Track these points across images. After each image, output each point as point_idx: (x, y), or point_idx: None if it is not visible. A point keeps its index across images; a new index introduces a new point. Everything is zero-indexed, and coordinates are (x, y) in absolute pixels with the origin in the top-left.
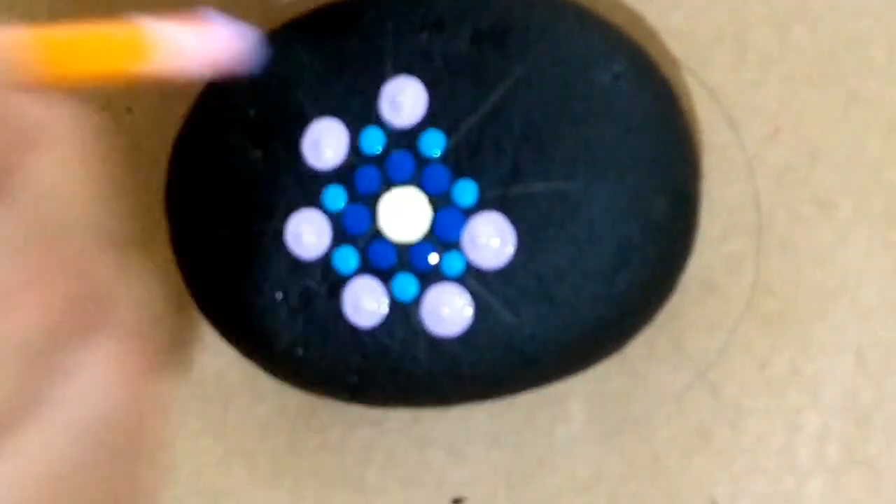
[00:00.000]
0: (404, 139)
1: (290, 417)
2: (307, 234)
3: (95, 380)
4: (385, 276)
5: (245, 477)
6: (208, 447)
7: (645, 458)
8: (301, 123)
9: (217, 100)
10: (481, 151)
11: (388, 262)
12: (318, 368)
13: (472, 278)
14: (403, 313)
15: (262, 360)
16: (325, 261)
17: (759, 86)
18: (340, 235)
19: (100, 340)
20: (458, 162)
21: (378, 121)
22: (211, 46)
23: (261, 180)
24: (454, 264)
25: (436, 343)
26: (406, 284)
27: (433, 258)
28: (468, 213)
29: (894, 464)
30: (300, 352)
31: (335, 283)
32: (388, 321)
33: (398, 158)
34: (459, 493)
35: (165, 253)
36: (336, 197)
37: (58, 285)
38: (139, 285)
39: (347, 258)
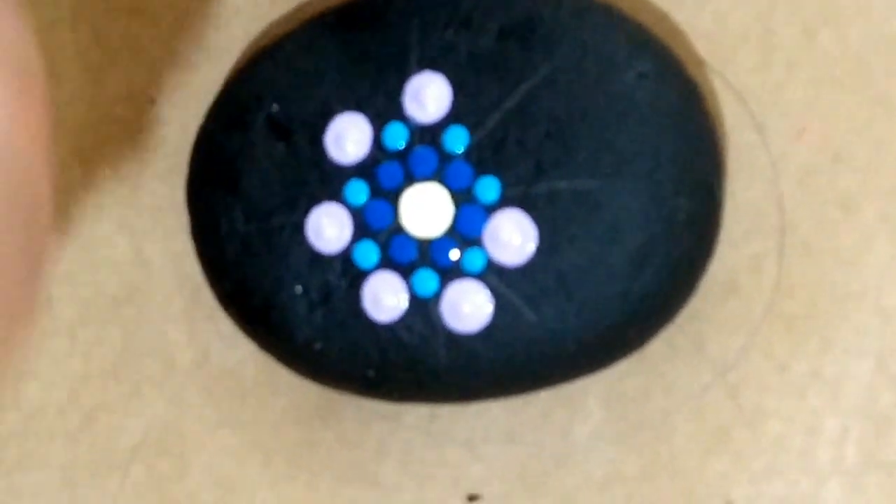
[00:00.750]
0: (427, 135)
1: (307, 411)
2: (328, 227)
3: None
4: (405, 271)
5: (260, 470)
6: (223, 440)
7: (663, 458)
8: (324, 117)
9: (240, 92)
10: (505, 148)
11: (408, 257)
12: (335, 362)
13: (493, 275)
14: (423, 309)
15: (280, 354)
16: (346, 255)
17: (785, 87)
18: (361, 230)
19: None
20: (482, 158)
21: (401, 116)
22: None
23: (283, 174)
24: (475, 261)
25: (455, 339)
26: (426, 280)
27: (454, 254)
28: (490, 209)
29: None
30: (318, 346)
31: (355, 277)
32: (407, 316)
33: (421, 154)
34: (475, 490)
35: (186, 244)
36: (358, 191)
37: None
38: None
39: (368, 253)
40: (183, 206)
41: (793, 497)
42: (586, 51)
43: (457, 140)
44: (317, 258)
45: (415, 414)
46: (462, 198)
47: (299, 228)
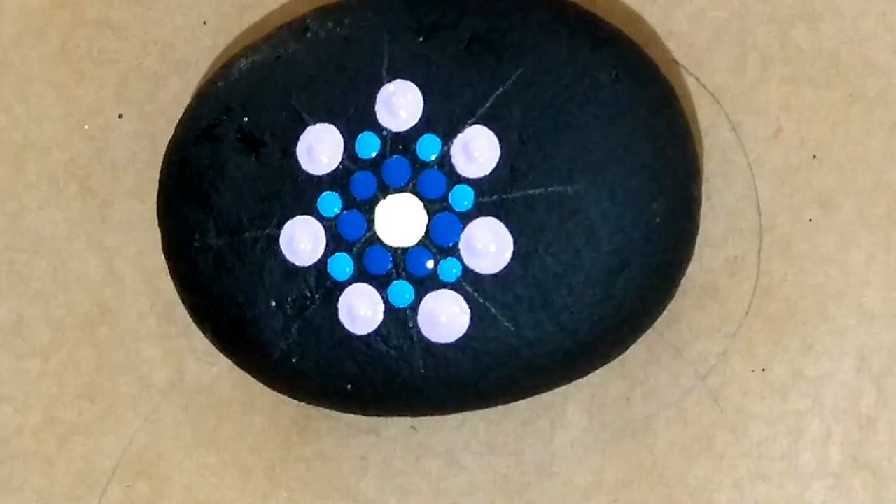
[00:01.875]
0: (400, 144)
1: (285, 427)
2: (302, 240)
3: None
4: (381, 282)
5: (239, 488)
6: (201, 458)
7: (645, 464)
8: (296, 128)
9: (210, 105)
10: (478, 156)
11: (383, 268)
12: (312, 377)
13: (470, 284)
14: (399, 320)
15: (256, 370)
16: (320, 267)
17: (760, 87)
18: (335, 242)
19: None
20: (455, 166)
21: (374, 125)
22: None
23: (255, 186)
24: (451, 270)
25: (432, 350)
26: (402, 291)
27: (430, 264)
28: (465, 218)
29: None
30: (294, 360)
31: (330, 290)
32: (383, 328)
33: (394, 163)
34: (457, 502)
35: (158, 260)
36: (331, 203)
37: None
38: None
39: (343, 265)
40: (155, 222)
41: (778, 500)
42: (558, 55)
43: (429, 148)
44: (291, 271)
45: (394, 427)
46: (436, 207)
47: (273, 242)
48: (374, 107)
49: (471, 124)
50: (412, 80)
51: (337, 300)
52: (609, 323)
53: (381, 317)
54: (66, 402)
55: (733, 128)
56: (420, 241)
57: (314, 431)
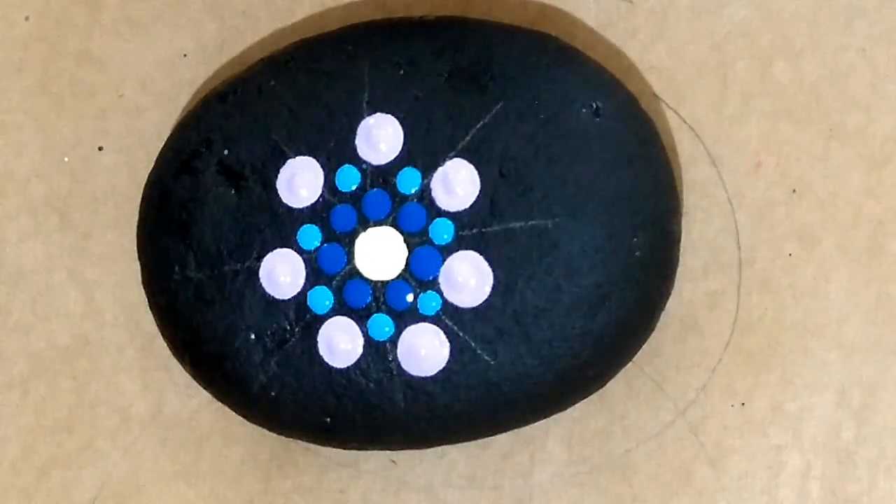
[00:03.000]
0: (381, 177)
1: (264, 461)
2: (282, 273)
3: None
4: (361, 315)
5: None
6: (181, 492)
7: (625, 498)
8: (276, 161)
9: (190, 138)
10: (458, 189)
11: (363, 301)
12: (291, 410)
13: (449, 318)
14: (379, 353)
15: (235, 403)
16: (300, 301)
17: (741, 121)
18: (315, 275)
19: None
20: (435, 200)
21: (354, 159)
22: None
23: (234, 219)
24: (431, 303)
25: (412, 383)
26: (382, 324)
27: (409, 297)
28: (445, 251)
29: (877, 502)
30: (274, 393)
31: (310, 323)
32: (363, 361)
33: (374, 197)
34: None
35: (138, 293)
36: (311, 236)
37: None
38: None
39: (322, 298)
40: (134, 255)
41: None
42: (539, 89)
43: (410, 182)
44: (271, 304)
45: (373, 461)
46: (416, 240)
47: (252, 274)
48: (354, 140)
49: (451, 158)
50: (393, 114)
51: (316, 333)
52: (589, 357)
53: (360, 350)
54: (45, 434)
55: (713, 162)
56: (400, 274)
57: (293, 465)
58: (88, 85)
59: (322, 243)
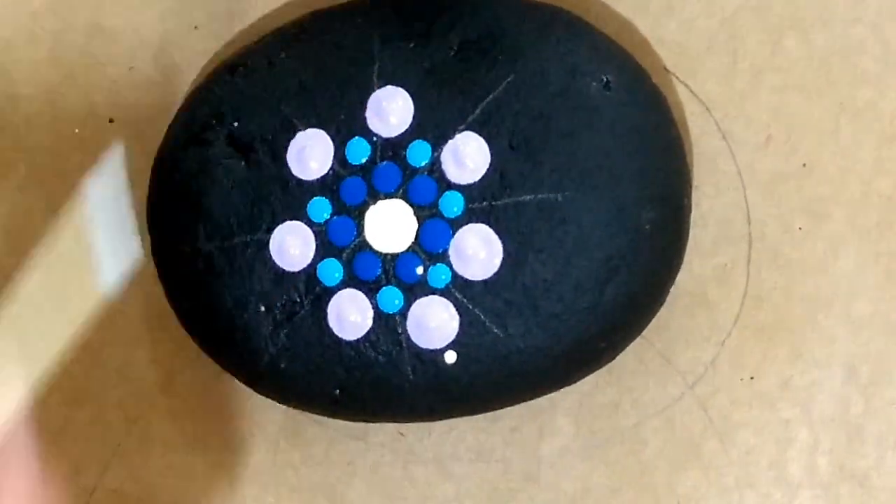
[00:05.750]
0: (390, 150)
1: (273, 432)
2: (292, 246)
3: None
4: (370, 288)
5: (227, 492)
6: (190, 462)
7: (633, 472)
8: (286, 134)
9: (201, 110)
10: (468, 162)
11: (373, 273)
12: (301, 382)
13: (459, 290)
14: (389, 326)
15: (245, 374)
16: (310, 273)
17: (751, 95)
18: (325, 247)
19: None
20: (445, 173)
21: (364, 131)
22: None
23: (245, 192)
24: (440, 276)
25: (421, 356)
26: (391, 296)
27: (419, 270)
28: (455, 224)
29: (885, 477)
30: (283, 365)
31: (319, 295)
32: (372, 334)
33: (384, 169)
34: None
35: (148, 265)
36: (321, 208)
37: None
38: None
39: (332, 270)
40: (144, 227)
41: None
42: (549, 62)
43: (420, 155)
44: (280, 276)
45: (382, 433)
46: (426, 213)
47: (262, 247)
48: (364, 113)
49: (461, 131)
50: (403, 87)
51: (326, 306)
52: (598, 330)
53: (370, 322)
54: (56, 404)
55: (724, 136)
56: (410, 247)
57: (302, 436)
58: (99, 58)
59: (332, 216)
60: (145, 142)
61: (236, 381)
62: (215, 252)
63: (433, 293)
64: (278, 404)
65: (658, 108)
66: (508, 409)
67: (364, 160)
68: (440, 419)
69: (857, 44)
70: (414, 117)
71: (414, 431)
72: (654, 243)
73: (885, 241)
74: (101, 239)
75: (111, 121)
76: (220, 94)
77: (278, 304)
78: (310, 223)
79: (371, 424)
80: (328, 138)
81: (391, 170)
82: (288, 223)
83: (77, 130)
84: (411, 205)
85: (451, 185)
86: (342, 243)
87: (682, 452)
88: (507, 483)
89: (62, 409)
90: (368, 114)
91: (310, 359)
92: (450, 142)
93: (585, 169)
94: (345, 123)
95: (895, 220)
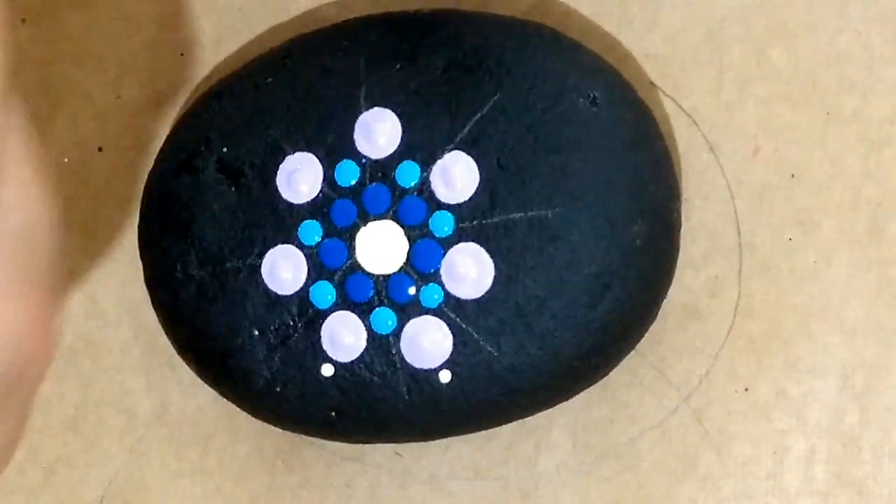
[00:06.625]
0: (380, 171)
1: (270, 456)
2: (283, 269)
3: None
4: (363, 309)
5: None
6: (186, 489)
7: (630, 486)
8: (275, 158)
9: (189, 137)
10: (457, 181)
11: (365, 295)
12: (296, 405)
13: (451, 310)
14: (382, 347)
15: (240, 399)
16: (303, 296)
17: (738, 107)
18: (317, 270)
19: None
20: (435, 193)
21: (353, 154)
22: None
23: (235, 216)
24: (433, 296)
25: (416, 376)
26: (385, 317)
27: (411, 290)
28: (446, 244)
29: (882, 485)
30: (278, 389)
31: (313, 318)
32: (366, 355)
33: (374, 191)
34: None
35: (141, 292)
36: (312, 231)
37: None
38: None
39: (325, 293)
40: (136, 254)
41: None
42: (536, 80)
43: (409, 175)
44: (273, 300)
45: (379, 454)
46: (417, 233)
47: (254, 271)
48: (352, 135)
49: (449, 150)
50: (390, 108)
51: (319, 328)
52: (591, 346)
53: (363, 344)
54: (51, 434)
55: (711, 148)
56: (401, 267)
57: (299, 459)
58: (87, 86)
59: (323, 238)
60: (135, 169)
61: (232, 405)
62: (207, 278)
63: (426, 313)
64: (274, 428)
65: (645, 123)
66: (504, 426)
67: (353, 182)
68: (436, 438)
69: (843, 52)
70: (402, 138)
71: (411, 451)
72: (645, 257)
73: (875, 247)
74: None
75: (100, 149)
76: (208, 120)
77: (272, 328)
78: (301, 246)
79: (368, 445)
80: (317, 161)
81: (381, 191)
82: (279, 247)
83: (66, 160)
84: (402, 225)
85: (440, 205)
86: (334, 265)
87: (679, 465)
88: (505, 500)
89: (58, 439)
90: (357, 136)
91: (304, 382)
92: (438, 162)
93: (574, 185)
94: (333, 146)
95: (885, 226)
